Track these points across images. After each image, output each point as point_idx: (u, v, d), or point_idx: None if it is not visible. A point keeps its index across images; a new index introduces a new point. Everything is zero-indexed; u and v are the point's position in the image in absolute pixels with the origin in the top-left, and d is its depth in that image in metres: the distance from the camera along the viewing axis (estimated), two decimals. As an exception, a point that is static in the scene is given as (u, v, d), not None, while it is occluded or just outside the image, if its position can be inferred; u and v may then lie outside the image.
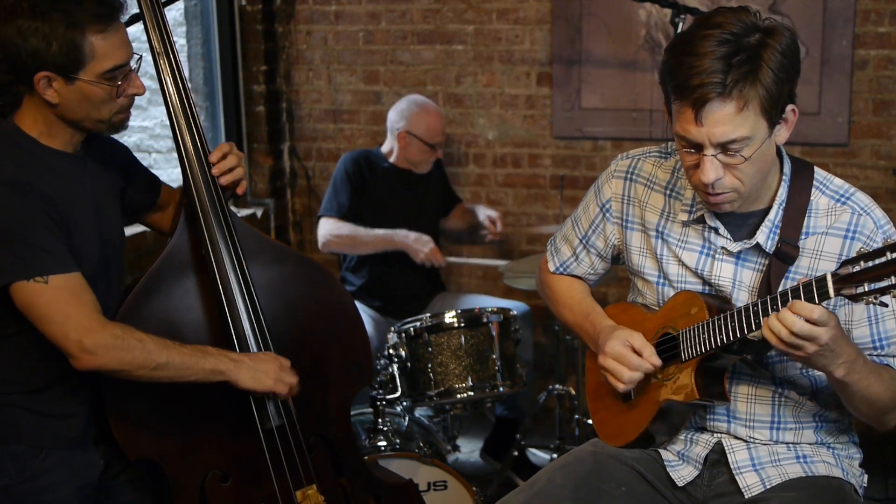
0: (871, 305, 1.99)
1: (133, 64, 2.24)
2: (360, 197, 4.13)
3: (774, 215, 2.07)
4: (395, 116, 4.18)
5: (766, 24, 1.93)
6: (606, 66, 4.29)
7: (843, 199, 2.07)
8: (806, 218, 2.06)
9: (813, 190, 2.08)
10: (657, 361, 2.12)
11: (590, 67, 4.33)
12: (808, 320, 1.82)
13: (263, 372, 2.32)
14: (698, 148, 1.95)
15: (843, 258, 2.02)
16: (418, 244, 4.01)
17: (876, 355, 2.05)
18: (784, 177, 2.08)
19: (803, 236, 2.06)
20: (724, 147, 1.93)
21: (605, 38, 4.29)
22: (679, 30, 3.57)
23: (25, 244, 2.12)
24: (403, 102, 4.21)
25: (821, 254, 2.05)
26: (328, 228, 4.09)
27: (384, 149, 4.24)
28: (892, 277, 1.71)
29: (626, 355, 2.14)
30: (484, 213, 4.33)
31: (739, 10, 1.95)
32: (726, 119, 1.90)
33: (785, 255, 2.05)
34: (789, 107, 1.97)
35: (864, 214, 2.05)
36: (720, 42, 1.88)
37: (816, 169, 2.12)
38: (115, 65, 2.19)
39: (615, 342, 2.16)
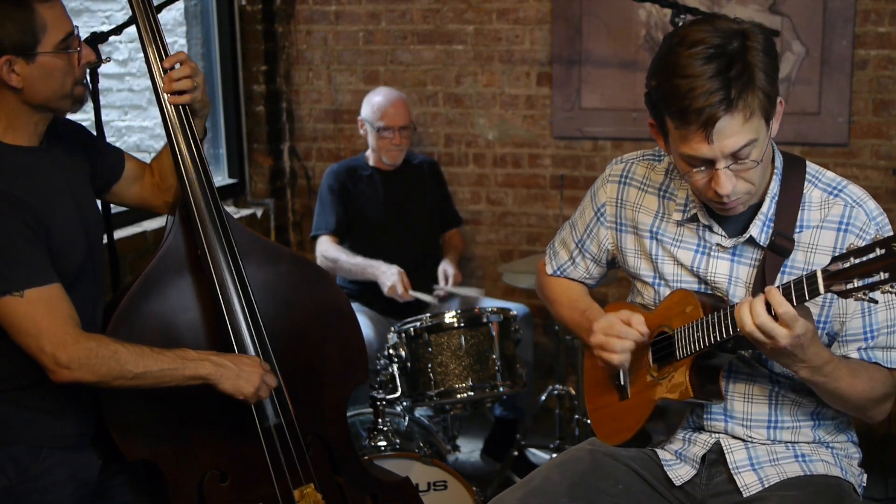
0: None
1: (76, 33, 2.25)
2: (347, 209, 4.14)
3: (767, 208, 2.08)
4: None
5: (739, 27, 1.93)
6: (606, 66, 4.30)
7: (835, 192, 2.08)
8: (799, 211, 2.07)
9: (805, 183, 2.09)
10: (644, 329, 2.13)
11: (590, 67, 4.33)
12: (773, 312, 1.84)
13: (245, 379, 2.30)
14: (709, 164, 1.96)
15: (837, 250, 2.03)
16: (384, 277, 3.96)
17: (865, 347, 2.06)
18: (776, 170, 2.09)
19: (798, 230, 2.07)
20: (735, 156, 1.94)
21: (605, 38, 4.29)
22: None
23: (1, 258, 2.12)
24: (368, 94, 4.25)
25: (816, 248, 2.06)
26: (320, 250, 4.13)
27: (367, 152, 4.25)
28: (882, 273, 1.71)
29: (614, 324, 2.15)
30: (444, 266, 4.17)
31: (712, 19, 1.95)
32: (735, 131, 1.91)
33: (779, 247, 2.06)
34: (778, 98, 1.99)
35: (857, 206, 2.05)
36: (707, 59, 1.88)
37: (808, 163, 2.13)
38: (67, 32, 2.21)
39: (603, 318, 2.19)
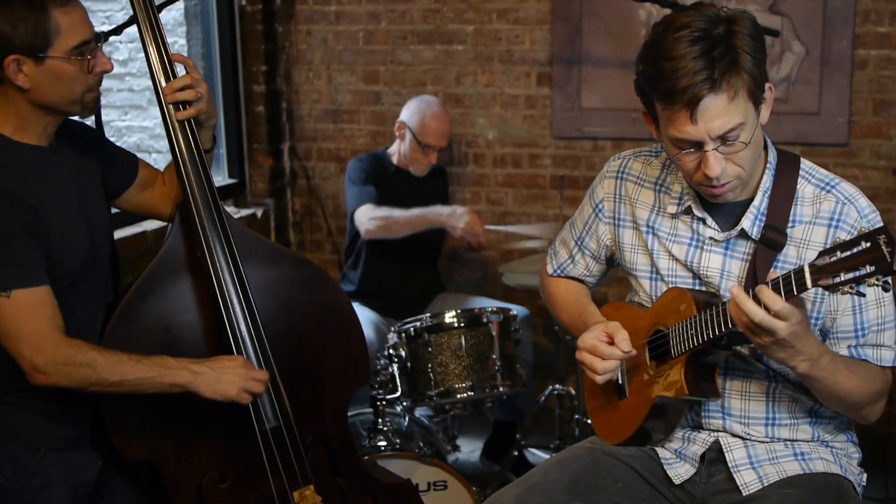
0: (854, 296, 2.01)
1: (97, 42, 2.24)
2: (379, 189, 4.08)
3: (759, 202, 2.09)
4: (404, 109, 4.18)
5: (725, 13, 1.97)
6: (606, 66, 4.29)
7: (828, 188, 2.09)
8: (792, 206, 2.08)
9: (799, 179, 2.10)
10: (626, 347, 2.13)
11: (590, 67, 4.33)
12: (769, 310, 1.84)
13: (226, 382, 2.27)
14: (698, 146, 1.98)
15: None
16: (452, 219, 3.88)
17: (855, 345, 2.07)
18: (769, 165, 2.11)
19: (791, 224, 2.08)
20: (723, 138, 1.96)
21: (605, 38, 4.29)
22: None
23: None
24: (415, 99, 4.21)
25: (808, 243, 2.07)
26: (366, 215, 3.94)
27: (391, 149, 4.23)
28: (868, 266, 1.71)
29: (598, 346, 2.15)
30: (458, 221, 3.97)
31: (698, 6, 1.99)
32: (721, 111, 1.93)
33: (771, 241, 2.07)
34: (766, 85, 2.00)
35: (848, 203, 2.06)
36: (693, 41, 1.91)
37: (803, 159, 2.14)
38: (82, 40, 2.19)
39: (589, 334, 2.18)
